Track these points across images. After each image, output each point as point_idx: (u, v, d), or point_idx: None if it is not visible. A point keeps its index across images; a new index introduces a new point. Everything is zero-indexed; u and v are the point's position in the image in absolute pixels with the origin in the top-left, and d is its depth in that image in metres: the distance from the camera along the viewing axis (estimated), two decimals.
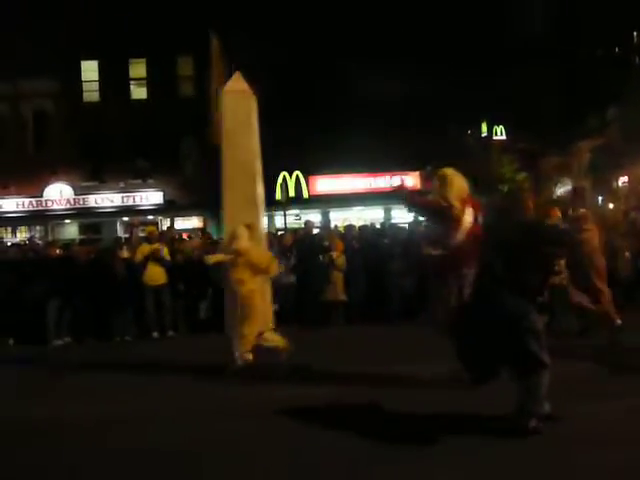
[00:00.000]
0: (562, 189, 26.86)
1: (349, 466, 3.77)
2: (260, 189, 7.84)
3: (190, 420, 4.88)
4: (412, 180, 22.47)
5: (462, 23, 25.33)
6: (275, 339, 6.66)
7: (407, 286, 10.06)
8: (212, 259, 7.26)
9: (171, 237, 11.74)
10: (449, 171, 5.49)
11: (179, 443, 4.32)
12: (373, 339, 8.20)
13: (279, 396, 5.28)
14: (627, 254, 9.89)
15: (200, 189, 21.73)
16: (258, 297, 6.58)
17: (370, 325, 9.50)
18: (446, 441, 4.06)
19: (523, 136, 22.86)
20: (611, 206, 26.10)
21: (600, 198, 28.72)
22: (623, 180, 28.96)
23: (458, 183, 5.36)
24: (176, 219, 22.78)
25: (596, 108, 28.65)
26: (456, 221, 5.17)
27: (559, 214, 8.60)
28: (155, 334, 9.70)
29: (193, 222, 23.44)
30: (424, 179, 22.04)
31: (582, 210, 7.63)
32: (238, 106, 7.67)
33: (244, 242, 6.59)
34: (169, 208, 22.64)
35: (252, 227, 6.89)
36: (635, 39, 29.75)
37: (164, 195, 23.16)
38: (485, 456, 3.77)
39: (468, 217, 5.18)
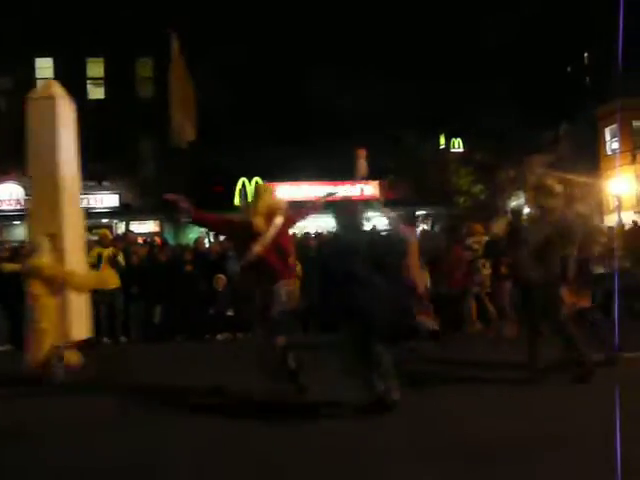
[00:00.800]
0: (515, 202, 27.66)
1: None
2: (68, 198, 7.45)
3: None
4: (372, 189, 22.70)
5: (422, 37, 25.82)
6: (68, 355, 6.66)
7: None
8: (7, 268, 7.44)
9: (132, 240, 11.51)
10: (261, 186, 5.94)
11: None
12: None
13: None
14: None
15: (157, 193, 21.35)
16: (51, 313, 6.50)
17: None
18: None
19: (480, 149, 23.39)
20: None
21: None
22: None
23: (265, 198, 5.46)
24: (132, 223, 22.30)
25: (549, 124, 29.60)
26: (256, 236, 5.23)
27: (481, 230, 9.27)
28: (106, 339, 9.45)
29: (149, 226, 23.00)
30: (384, 189, 22.31)
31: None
32: (43, 113, 7.42)
33: (41, 255, 6.57)
34: (125, 211, 22.16)
35: (54, 238, 6.81)
36: (585, 59, 30.96)
37: (120, 198, 22.67)
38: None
39: (272, 232, 5.24)
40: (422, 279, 7.29)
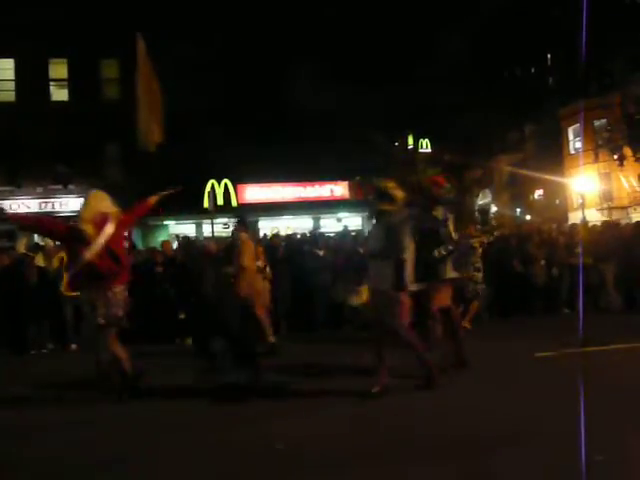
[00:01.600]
0: (483, 201, 28.13)
1: None
2: None
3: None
4: (342, 190, 22.78)
5: (391, 41, 26.08)
6: None
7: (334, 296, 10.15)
8: None
9: None
10: (91, 193, 5.65)
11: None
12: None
13: None
14: (542, 262, 10.43)
15: (124, 196, 21.02)
16: None
17: (297, 334, 9.53)
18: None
19: (447, 149, 23.70)
20: (528, 218, 27.55)
21: (518, 210, 30.25)
22: (539, 193, 30.63)
23: (94, 204, 5.48)
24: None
25: (515, 125, 30.19)
26: (87, 242, 5.29)
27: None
28: (74, 346, 9.24)
29: None
30: (353, 189, 22.40)
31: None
32: None
33: None
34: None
35: None
36: (549, 60, 31.64)
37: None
38: None
39: (101, 239, 5.31)
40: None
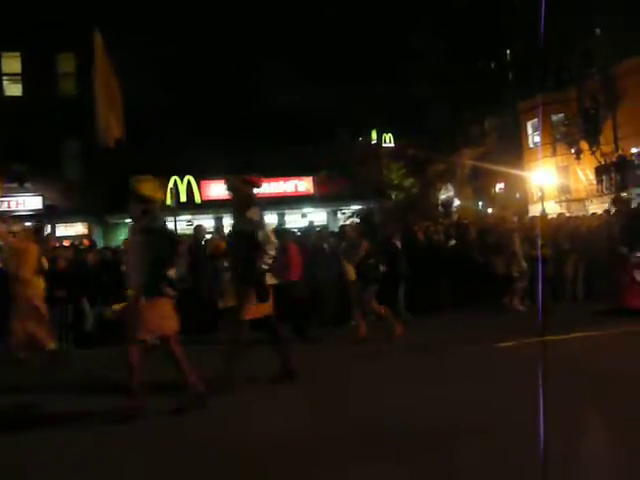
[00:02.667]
0: (445, 194, 28.50)
1: None
2: None
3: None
4: (306, 185, 22.73)
5: (356, 36, 26.13)
6: None
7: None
8: None
9: (51, 247, 10.90)
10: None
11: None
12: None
13: None
14: (503, 254, 10.61)
15: (84, 194, 20.53)
16: None
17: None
18: None
19: (410, 144, 23.90)
20: (490, 210, 28.02)
21: (480, 203, 30.75)
22: (500, 186, 31.19)
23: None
24: (58, 225, 21.32)
25: (476, 119, 30.61)
26: None
27: None
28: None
29: (77, 228, 22.08)
30: (317, 184, 22.39)
31: None
32: None
33: None
34: (49, 214, 21.16)
35: None
36: (508, 55, 32.16)
37: (43, 200, 21.63)
38: None
39: None
40: None
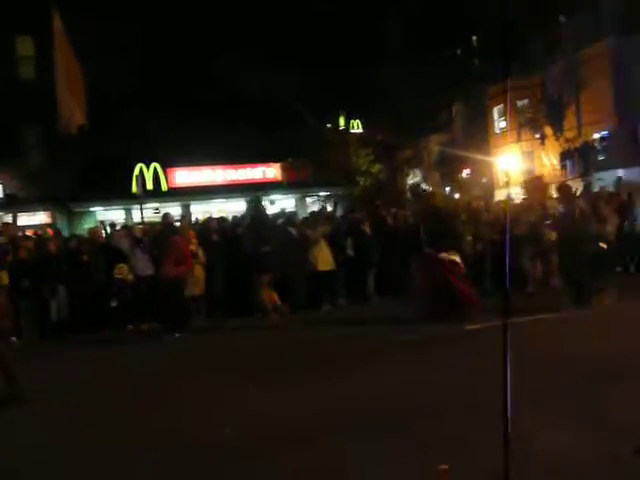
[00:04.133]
0: (413, 180, 28.70)
1: None
2: None
3: None
4: (274, 171, 22.59)
5: (322, 20, 25.93)
6: None
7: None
8: None
9: (12, 236, 10.60)
10: None
11: None
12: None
13: None
14: (469, 238, 10.77)
15: (46, 181, 19.99)
16: None
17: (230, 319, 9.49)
18: None
19: (379, 129, 23.92)
20: (457, 196, 28.34)
21: (448, 189, 31.07)
22: (466, 172, 31.56)
23: None
24: (19, 215, 20.75)
25: (443, 105, 30.79)
26: None
27: None
28: None
29: (40, 217, 21.52)
30: (285, 170, 22.28)
31: None
32: None
33: None
34: (10, 203, 20.57)
35: None
36: (474, 42, 32.41)
37: (4, 188, 21.01)
38: None
39: None
40: None
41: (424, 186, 25.10)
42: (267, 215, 7.07)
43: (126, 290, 9.50)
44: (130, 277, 9.52)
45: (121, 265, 9.55)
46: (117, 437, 4.37)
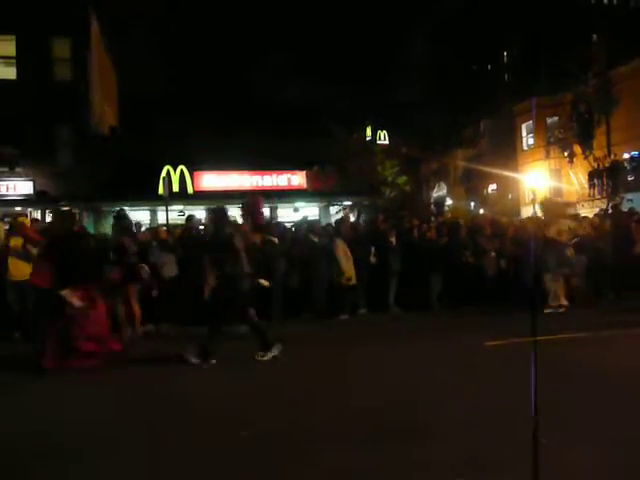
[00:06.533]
0: (438, 193, 28.61)
1: None
2: None
3: None
4: (299, 179, 22.69)
5: (354, 35, 26.11)
6: None
7: (292, 283, 10.17)
8: None
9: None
10: None
11: None
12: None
13: None
14: (493, 254, 10.67)
15: (75, 180, 20.37)
16: None
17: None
18: None
19: (405, 142, 23.93)
20: (482, 211, 28.14)
21: (472, 204, 30.88)
22: (492, 187, 31.33)
23: None
24: (48, 211, 21.16)
25: (471, 120, 30.70)
26: None
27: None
28: (17, 335, 8.89)
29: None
30: (310, 178, 22.36)
31: None
32: None
33: None
34: (40, 199, 21.00)
35: None
36: (505, 58, 32.29)
37: (34, 185, 21.45)
38: None
39: None
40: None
41: (449, 200, 25.03)
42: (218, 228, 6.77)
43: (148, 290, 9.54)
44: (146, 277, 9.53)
45: (141, 266, 9.56)
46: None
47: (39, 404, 5.26)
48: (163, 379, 6.03)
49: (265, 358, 6.49)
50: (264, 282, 7.18)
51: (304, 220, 12.76)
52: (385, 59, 25.44)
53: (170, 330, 9.14)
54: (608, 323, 8.07)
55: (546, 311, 9.39)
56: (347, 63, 24.67)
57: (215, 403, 5.08)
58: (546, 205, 11.09)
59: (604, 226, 11.25)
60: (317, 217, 20.31)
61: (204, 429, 4.38)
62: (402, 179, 23.03)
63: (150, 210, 21.54)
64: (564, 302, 9.71)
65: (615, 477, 3.37)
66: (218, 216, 7.06)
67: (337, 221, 11.71)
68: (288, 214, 20.81)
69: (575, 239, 10.42)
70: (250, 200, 8.82)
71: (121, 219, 9.89)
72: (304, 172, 22.41)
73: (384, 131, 24.54)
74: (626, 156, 25.30)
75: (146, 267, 9.44)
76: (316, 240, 10.52)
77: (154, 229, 11.83)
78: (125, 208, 21.51)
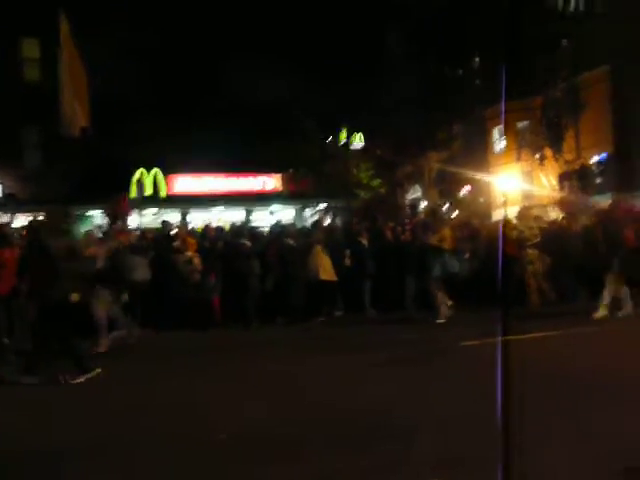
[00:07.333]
0: (413, 195, 28.83)
1: None
2: None
3: None
4: (275, 182, 22.64)
5: (328, 35, 26.16)
6: None
7: (267, 286, 10.15)
8: None
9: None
10: None
11: None
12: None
13: None
14: (467, 255, 10.80)
15: (44, 182, 20.00)
16: None
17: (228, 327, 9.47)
18: None
19: (379, 144, 24.06)
20: (456, 213, 28.44)
21: (447, 206, 31.18)
22: (466, 190, 31.68)
23: None
24: (17, 215, 20.70)
25: (445, 123, 31.00)
26: None
27: None
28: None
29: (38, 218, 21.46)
30: (286, 181, 22.34)
31: None
32: None
33: None
34: (8, 203, 20.54)
35: None
36: (476, 63, 32.69)
37: (2, 188, 21.01)
38: None
39: None
40: None
41: (423, 202, 25.25)
42: None
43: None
44: None
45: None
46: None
47: None
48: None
49: (77, 381, 6.16)
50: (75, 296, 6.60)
51: (279, 224, 12.77)
52: (361, 62, 25.56)
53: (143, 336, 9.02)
54: (575, 322, 8.20)
55: (439, 321, 9.17)
56: (322, 64, 24.73)
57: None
58: (521, 211, 11.22)
59: (572, 226, 11.41)
60: (292, 220, 20.32)
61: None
62: (376, 182, 23.16)
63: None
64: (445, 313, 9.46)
65: (582, 471, 3.43)
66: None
67: (312, 224, 11.73)
68: (264, 217, 20.75)
69: (536, 240, 10.51)
70: (114, 202, 8.82)
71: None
72: (280, 175, 22.38)
73: (359, 134, 24.65)
74: (595, 159, 25.88)
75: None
76: (291, 243, 10.53)
77: (126, 232, 11.68)
78: (97, 212, 21.29)
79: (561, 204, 10.93)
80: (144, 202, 18.19)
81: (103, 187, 18.90)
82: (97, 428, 4.60)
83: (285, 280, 10.15)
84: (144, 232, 11.81)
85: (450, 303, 9.57)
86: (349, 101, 24.10)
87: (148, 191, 19.96)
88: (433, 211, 9.39)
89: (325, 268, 10.00)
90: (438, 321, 9.14)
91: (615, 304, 8.63)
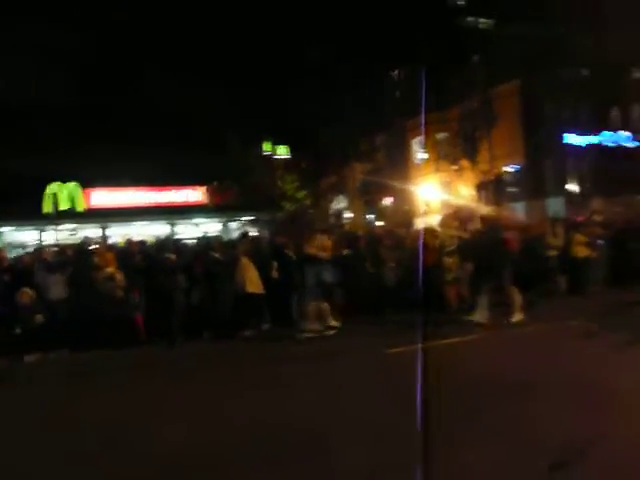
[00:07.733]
0: (337, 206, 29.24)
1: None
2: None
3: None
4: (199, 195, 22.30)
5: (249, 45, 26.13)
6: None
7: (193, 300, 9.93)
8: None
9: None
10: None
11: None
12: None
13: None
14: (392, 264, 11.02)
15: None
16: None
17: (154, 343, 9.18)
18: None
19: (303, 156, 24.24)
20: (380, 223, 29.06)
21: (371, 216, 31.82)
22: (389, 200, 32.45)
23: None
24: None
25: (368, 135, 31.69)
26: None
27: None
28: None
29: None
30: (210, 194, 22.07)
31: None
32: None
33: None
34: None
35: None
36: (395, 76, 33.69)
37: None
38: None
39: None
40: None
41: (347, 213, 25.63)
42: None
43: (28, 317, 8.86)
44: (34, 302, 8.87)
45: (24, 290, 8.90)
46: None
47: None
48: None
49: None
50: None
51: (205, 237, 12.56)
52: (282, 71, 25.67)
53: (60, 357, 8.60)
54: (491, 326, 8.52)
55: (307, 335, 8.92)
56: (243, 76, 24.63)
57: None
58: (443, 219, 11.48)
59: (480, 234, 11.81)
60: (218, 233, 20.06)
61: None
62: (301, 193, 23.30)
63: (38, 230, 20.24)
64: (333, 323, 9.35)
65: (501, 473, 3.56)
66: None
67: (238, 236, 11.60)
68: (188, 230, 20.38)
69: (452, 247, 10.83)
70: None
71: None
72: (204, 187, 22.09)
73: (284, 146, 24.73)
74: (508, 169, 27.23)
75: (29, 292, 8.80)
76: (217, 256, 10.36)
77: (39, 250, 11.15)
78: (7, 229, 20.15)
79: (455, 214, 11.30)
80: (59, 217, 17.35)
81: (11, 202, 17.92)
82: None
83: (211, 293, 9.96)
84: (63, 248, 11.30)
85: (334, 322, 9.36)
86: (272, 113, 24.15)
87: (64, 205, 19.11)
88: (292, 217, 9.24)
89: (252, 280, 9.87)
90: (305, 335, 8.92)
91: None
